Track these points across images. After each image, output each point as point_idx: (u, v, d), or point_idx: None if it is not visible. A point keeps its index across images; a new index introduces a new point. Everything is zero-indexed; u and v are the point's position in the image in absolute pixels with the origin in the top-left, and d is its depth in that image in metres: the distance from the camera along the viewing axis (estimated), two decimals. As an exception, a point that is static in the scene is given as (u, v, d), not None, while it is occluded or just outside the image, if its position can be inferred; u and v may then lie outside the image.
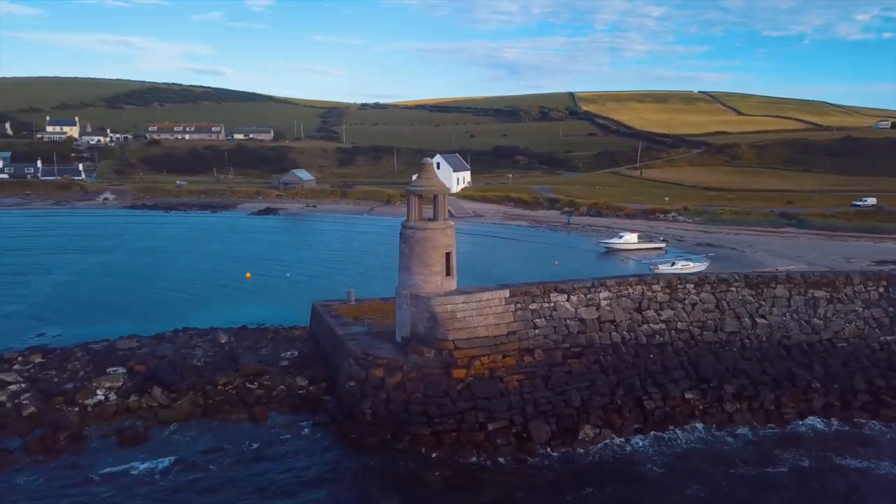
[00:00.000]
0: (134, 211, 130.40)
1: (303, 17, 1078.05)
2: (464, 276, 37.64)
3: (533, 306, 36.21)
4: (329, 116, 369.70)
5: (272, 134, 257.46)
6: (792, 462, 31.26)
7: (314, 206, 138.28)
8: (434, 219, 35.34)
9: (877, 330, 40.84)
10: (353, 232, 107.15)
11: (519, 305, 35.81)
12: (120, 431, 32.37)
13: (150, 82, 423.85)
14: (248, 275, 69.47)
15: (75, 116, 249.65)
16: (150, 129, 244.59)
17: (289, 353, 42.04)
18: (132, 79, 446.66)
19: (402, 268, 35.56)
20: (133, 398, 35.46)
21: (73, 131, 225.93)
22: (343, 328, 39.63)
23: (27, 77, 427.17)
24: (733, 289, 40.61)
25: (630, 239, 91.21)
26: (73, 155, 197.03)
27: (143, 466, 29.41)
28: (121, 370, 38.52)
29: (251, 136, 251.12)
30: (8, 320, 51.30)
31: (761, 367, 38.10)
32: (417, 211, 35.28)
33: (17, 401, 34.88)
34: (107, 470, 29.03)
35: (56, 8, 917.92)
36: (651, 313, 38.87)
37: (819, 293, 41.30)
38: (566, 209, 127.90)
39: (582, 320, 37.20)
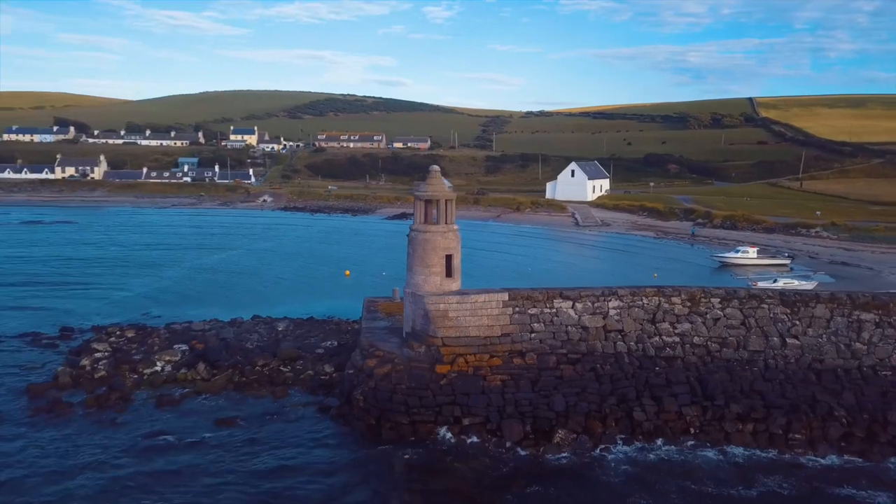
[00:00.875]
0: (284, 213, 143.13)
1: (481, 27, 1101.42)
2: (543, 282, 38.53)
3: (532, 311, 37.12)
4: (490, 125, 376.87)
5: (429, 143, 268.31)
6: (770, 487, 29.87)
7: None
8: (436, 222, 37.47)
9: (932, 359, 36.99)
10: (468, 239, 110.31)
11: (517, 309, 36.92)
12: (160, 397, 37.88)
13: (327, 93, 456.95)
14: (348, 273, 74.97)
15: (254, 126, 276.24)
16: (319, 137, 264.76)
17: (329, 342, 45.97)
18: (321, 91, 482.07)
19: (408, 268, 38.10)
20: (182, 371, 41.08)
21: (252, 139, 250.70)
22: (370, 322, 42.81)
23: (226, 91, 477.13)
24: (765, 306, 38.59)
25: (748, 253, 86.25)
26: (248, 161, 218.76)
27: (163, 427, 34.41)
28: (184, 347, 44.48)
29: (409, 144, 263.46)
30: (127, 302, 60.26)
31: (781, 390, 36.09)
32: (422, 215, 37.64)
33: (95, 365, 41.75)
34: (134, 427, 34.37)
35: (260, 27, 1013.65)
36: (665, 325, 38.13)
37: (867, 315, 38.09)
38: (698, 221, 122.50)
39: (585, 328, 37.46)
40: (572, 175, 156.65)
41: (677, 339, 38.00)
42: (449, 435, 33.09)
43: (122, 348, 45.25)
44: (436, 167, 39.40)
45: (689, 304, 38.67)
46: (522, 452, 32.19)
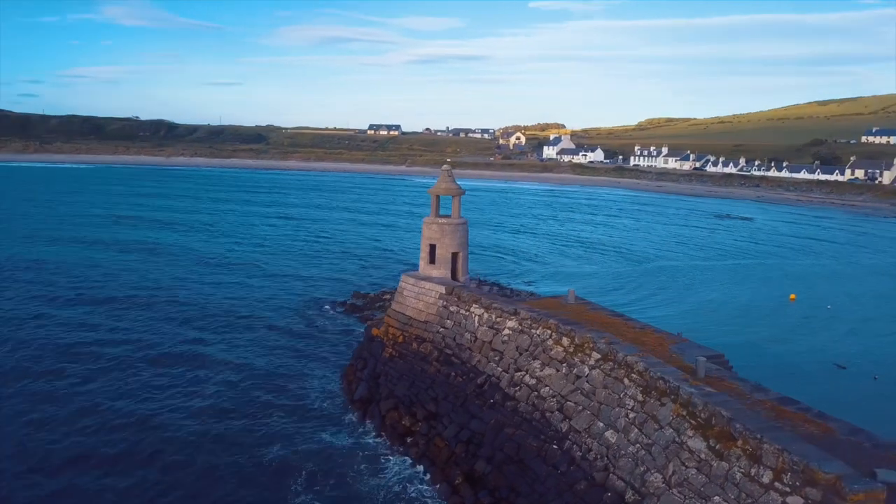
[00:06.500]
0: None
1: None
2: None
3: (453, 308, 38.23)
4: None
5: None
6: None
7: None
8: (429, 216, 42.21)
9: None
10: None
11: (444, 304, 38.89)
12: (364, 315, 56.52)
13: None
14: (793, 297, 66.76)
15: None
16: None
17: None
18: None
19: (425, 253, 44.22)
20: (402, 307, 57.90)
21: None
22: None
23: None
24: (626, 381, 27.31)
25: None
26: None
27: (329, 326, 53.79)
28: (437, 297, 60.10)
29: None
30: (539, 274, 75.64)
31: (544, 479, 27.20)
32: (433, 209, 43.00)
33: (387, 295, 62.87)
34: (329, 320, 54.78)
35: None
36: (536, 364, 32.18)
37: (696, 443, 22.41)
38: None
39: (476, 338, 35.93)
40: None
41: (534, 381, 31.80)
42: (345, 382, 41.04)
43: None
44: (446, 167, 42.66)
45: (572, 349, 31.17)
46: (340, 411, 37.72)
